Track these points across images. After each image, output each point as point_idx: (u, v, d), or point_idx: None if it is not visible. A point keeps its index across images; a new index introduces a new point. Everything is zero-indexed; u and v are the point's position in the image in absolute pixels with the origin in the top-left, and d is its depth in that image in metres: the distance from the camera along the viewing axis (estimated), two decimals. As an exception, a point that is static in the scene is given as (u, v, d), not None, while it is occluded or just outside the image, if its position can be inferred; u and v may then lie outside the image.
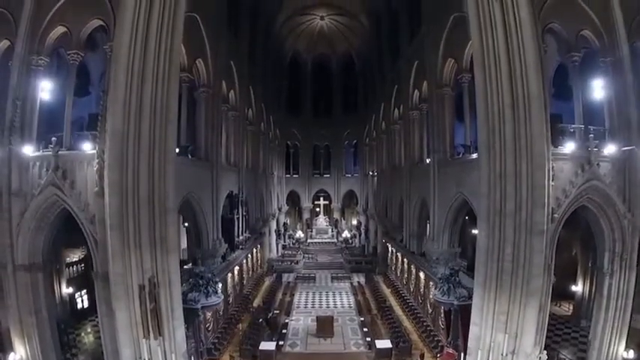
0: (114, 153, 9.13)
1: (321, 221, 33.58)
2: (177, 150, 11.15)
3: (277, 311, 17.55)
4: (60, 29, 11.18)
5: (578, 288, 16.13)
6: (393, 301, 19.38)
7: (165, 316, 9.63)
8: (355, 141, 34.85)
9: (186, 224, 15.89)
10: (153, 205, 9.39)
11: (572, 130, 11.17)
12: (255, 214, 22.46)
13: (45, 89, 11.65)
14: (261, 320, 16.47)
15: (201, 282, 12.05)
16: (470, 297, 11.27)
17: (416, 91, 18.23)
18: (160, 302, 9.60)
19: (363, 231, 30.62)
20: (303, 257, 27.92)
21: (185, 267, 16.37)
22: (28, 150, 10.79)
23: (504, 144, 9.56)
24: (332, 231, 33.16)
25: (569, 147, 10.66)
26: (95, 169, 9.78)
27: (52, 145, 10.35)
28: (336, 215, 34.64)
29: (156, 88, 9.33)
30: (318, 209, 34.74)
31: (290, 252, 29.29)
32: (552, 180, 9.87)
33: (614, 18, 11.15)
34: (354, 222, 34.83)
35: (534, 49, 9.47)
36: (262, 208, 24.51)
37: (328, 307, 19.33)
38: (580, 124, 11.42)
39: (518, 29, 9.53)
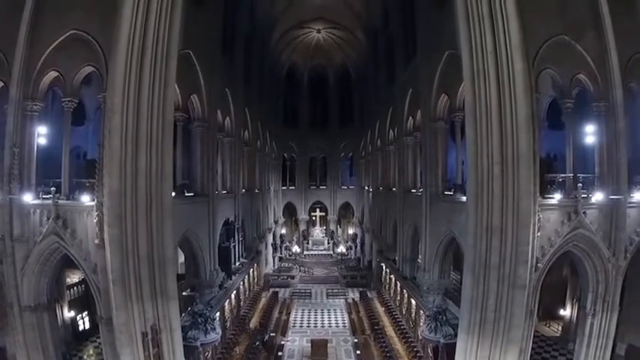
0: (113, 212, 9.45)
1: (318, 232, 33.96)
2: (173, 194, 11.42)
3: (273, 333, 18.02)
4: (53, 74, 11.31)
5: (566, 312, 16.58)
6: (386, 321, 19.91)
7: (167, 358, 10.19)
8: (351, 153, 35.12)
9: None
10: (152, 258, 9.87)
11: (561, 179, 11.41)
12: (252, 233, 22.75)
13: (41, 134, 11.90)
14: (257, 343, 16.96)
15: (200, 320, 12.51)
16: (456, 335, 11.75)
17: (410, 118, 18.44)
18: (162, 346, 10.21)
19: (358, 243, 31.05)
20: (299, 271, 28.33)
21: (184, 293, 16.82)
22: (28, 197, 11.02)
23: (492, 200, 9.95)
24: (328, 243, 33.52)
25: (557, 197, 10.90)
26: (95, 220, 10.07)
27: (51, 195, 10.63)
28: (332, 227, 34.98)
29: (150, 147, 9.66)
30: (314, 218, 35.09)
31: (287, 264, 29.69)
32: (538, 231, 10.26)
33: (609, 60, 11.24)
34: (351, 231, 35.20)
35: (526, 105, 9.73)
36: (258, 226, 24.79)
37: (323, 327, 19.82)
38: (570, 172, 11.67)
39: (512, 83, 9.80)
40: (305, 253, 32.37)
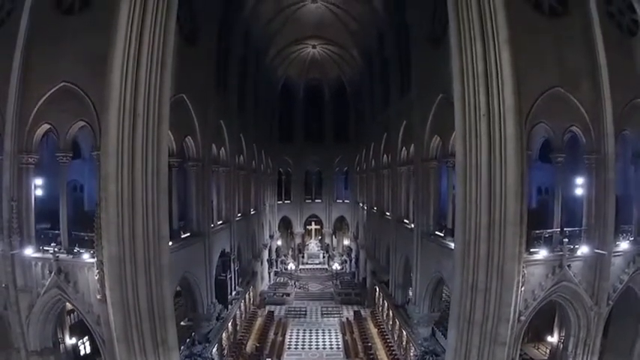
0: (113, 275, 9.81)
1: (313, 246, 34.39)
2: (170, 243, 11.73)
3: (269, 359, 18.55)
4: (46, 126, 11.48)
5: (553, 339, 17.08)
6: (378, 344, 20.50)
7: (169, 402, 10.68)
8: (346, 168, 35.33)
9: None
10: (153, 313, 10.28)
11: (547, 235, 11.62)
12: (248, 255, 23.08)
13: (38, 186, 12.13)
14: (254, 369, 17.52)
15: (198, 361, 12.99)
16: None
17: (404, 149, 18.62)
18: (165, 392, 10.64)
19: (353, 258, 31.50)
20: (295, 286, 28.79)
21: (182, 323, 17.24)
22: (29, 251, 11.30)
23: (478, 261, 10.31)
24: (323, 256, 33.94)
25: (542, 253, 11.16)
26: (96, 278, 10.38)
27: (51, 249, 10.91)
28: (328, 240, 35.38)
29: (146, 211, 9.97)
30: (310, 231, 35.40)
31: (282, 279, 30.14)
32: (522, 286, 10.67)
33: (604, 110, 11.34)
34: (346, 242, 35.57)
35: (516, 171, 9.95)
36: (254, 246, 25.05)
37: (317, 349, 20.38)
38: (557, 226, 11.85)
39: (503, 147, 9.99)
40: (300, 267, 32.74)
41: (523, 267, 10.51)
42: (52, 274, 10.87)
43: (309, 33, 26.68)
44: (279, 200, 34.07)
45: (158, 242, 10.19)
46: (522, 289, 10.65)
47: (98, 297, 10.38)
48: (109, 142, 9.57)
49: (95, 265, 10.36)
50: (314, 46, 29.18)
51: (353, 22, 24.54)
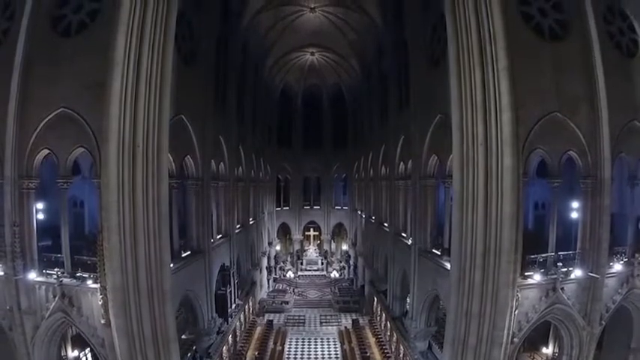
0: (117, 303, 10.02)
1: (311, 252, 34.56)
2: (172, 265, 11.89)
3: (269, 371, 18.84)
4: (45, 151, 11.49)
5: (548, 351, 17.38)
6: (376, 353, 20.75)
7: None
8: (345, 174, 35.44)
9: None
10: (157, 339, 10.52)
11: (542, 259, 11.84)
12: (247, 265, 23.26)
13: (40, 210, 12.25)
14: (253, 382, 17.78)
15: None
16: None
17: (402, 163, 18.74)
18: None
19: (352, 264, 31.76)
20: (294, 293, 29.01)
21: (182, 336, 17.44)
22: (32, 275, 11.44)
23: (472, 287, 10.58)
24: (322, 263, 34.13)
25: (537, 277, 11.38)
26: (100, 303, 10.57)
27: (54, 273, 11.07)
28: (326, 246, 35.55)
29: (148, 239, 10.14)
30: (308, 237, 35.61)
31: (281, 286, 30.36)
32: (516, 310, 10.93)
33: (601, 134, 11.45)
34: (344, 247, 35.78)
35: (512, 202, 10.13)
36: (253, 255, 25.19)
37: (317, 358, 20.66)
38: (552, 250, 12.03)
39: (499, 178, 10.17)
40: (299, 273, 32.93)
41: (517, 291, 10.76)
42: (56, 298, 11.05)
43: (307, 41, 26.72)
44: (277, 207, 34.15)
45: (160, 269, 10.41)
46: (516, 312, 10.91)
47: (102, 321, 10.59)
48: (110, 174, 9.72)
49: (99, 290, 10.54)
50: (312, 53, 29.26)
51: (352, 32, 24.62)
